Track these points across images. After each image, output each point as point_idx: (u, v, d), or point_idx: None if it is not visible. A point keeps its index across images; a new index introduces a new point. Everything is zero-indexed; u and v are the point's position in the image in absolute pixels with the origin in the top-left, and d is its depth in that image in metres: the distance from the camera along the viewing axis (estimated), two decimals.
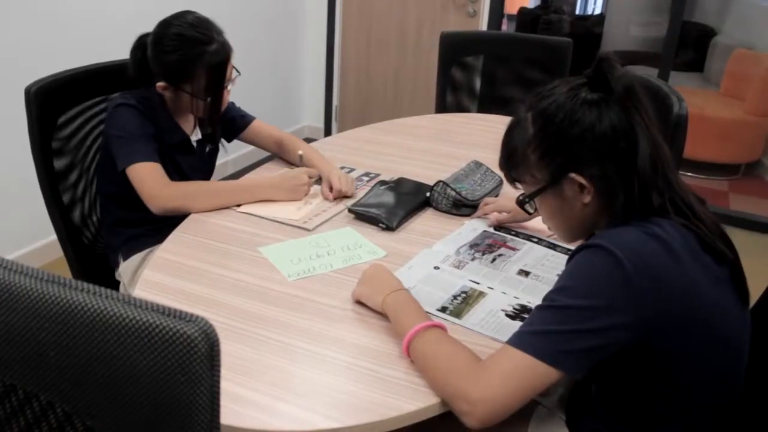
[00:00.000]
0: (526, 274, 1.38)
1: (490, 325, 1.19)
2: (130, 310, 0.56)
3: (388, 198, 1.64)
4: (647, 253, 0.94)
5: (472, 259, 1.42)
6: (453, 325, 1.18)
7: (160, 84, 1.62)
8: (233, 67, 1.67)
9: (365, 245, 1.47)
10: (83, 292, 0.58)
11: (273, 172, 1.84)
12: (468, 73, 2.77)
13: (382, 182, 1.74)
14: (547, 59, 2.62)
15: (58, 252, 1.74)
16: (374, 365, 1.08)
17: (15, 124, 2.02)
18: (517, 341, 0.95)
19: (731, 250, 1.02)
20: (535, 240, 1.53)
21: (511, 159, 1.10)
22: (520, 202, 1.14)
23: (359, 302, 1.24)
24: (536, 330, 0.95)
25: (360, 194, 1.70)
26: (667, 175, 1.01)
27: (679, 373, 0.99)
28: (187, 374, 0.56)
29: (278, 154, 1.95)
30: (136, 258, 1.71)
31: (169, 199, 1.56)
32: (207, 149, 1.83)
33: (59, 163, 1.68)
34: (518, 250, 1.48)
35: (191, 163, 1.76)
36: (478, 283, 1.33)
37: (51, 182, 1.66)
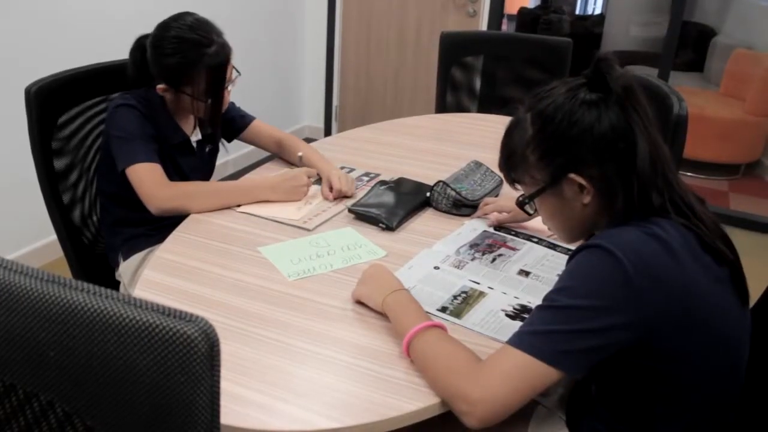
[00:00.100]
0: (526, 274, 1.38)
1: (490, 325, 1.19)
2: (130, 310, 0.57)
3: (388, 198, 1.64)
4: (647, 253, 0.94)
5: (472, 259, 1.42)
6: (453, 325, 1.18)
7: (160, 86, 1.62)
8: (233, 67, 1.67)
9: (365, 245, 1.47)
10: (83, 292, 0.58)
11: (273, 172, 1.84)
12: (468, 73, 2.77)
13: (382, 182, 1.74)
14: (547, 59, 2.62)
15: (58, 252, 1.74)
16: (374, 365, 1.08)
17: (15, 124, 2.02)
18: (517, 341, 0.95)
19: (731, 250, 1.02)
20: (535, 240, 1.53)
21: (511, 160, 1.10)
22: (520, 203, 1.14)
23: (359, 302, 1.24)
24: (536, 330, 0.95)
25: (360, 194, 1.70)
26: (666, 175, 1.01)
27: (679, 373, 0.99)
28: (187, 374, 0.56)
29: (278, 154, 1.95)
30: (136, 258, 1.71)
31: (168, 199, 1.56)
32: (207, 149, 1.83)
33: (59, 163, 1.68)
34: (518, 250, 1.48)
35: (191, 164, 1.76)
36: (478, 283, 1.33)
37: (51, 182, 1.66)
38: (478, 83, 2.77)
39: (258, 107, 2.38)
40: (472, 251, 1.46)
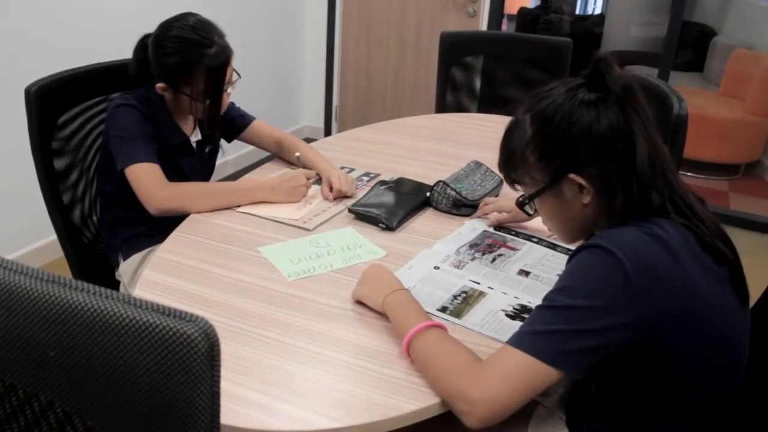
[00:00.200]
0: (526, 274, 1.38)
1: (490, 325, 1.19)
2: (130, 310, 0.57)
3: (388, 198, 1.64)
4: (647, 253, 0.94)
5: (472, 259, 1.42)
6: (453, 325, 1.18)
7: (159, 85, 1.62)
8: (234, 69, 1.67)
9: (365, 245, 1.47)
10: (83, 292, 0.58)
11: (273, 172, 1.85)
12: (468, 73, 2.77)
13: (382, 182, 1.74)
14: (547, 59, 2.62)
15: (58, 252, 1.74)
16: (374, 365, 1.08)
17: (15, 124, 2.02)
18: (518, 341, 0.95)
19: (731, 250, 1.02)
20: (535, 240, 1.53)
21: (510, 161, 1.10)
22: (520, 204, 1.14)
23: (359, 302, 1.24)
24: (536, 330, 0.95)
25: (360, 194, 1.70)
26: (666, 174, 1.01)
27: (679, 373, 0.99)
28: (187, 374, 0.56)
29: (278, 154, 1.95)
30: (136, 258, 1.71)
31: (167, 199, 1.56)
32: (207, 150, 1.83)
33: (59, 163, 1.68)
34: (518, 250, 1.48)
35: (191, 164, 1.76)
36: (478, 283, 1.33)
37: (51, 182, 1.66)
38: (478, 83, 2.77)
39: (258, 107, 2.38)
40: (472, 251, 1.46)
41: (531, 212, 1.16)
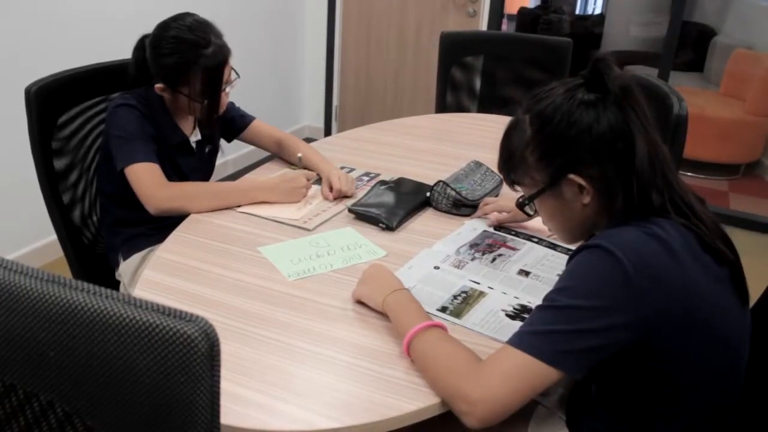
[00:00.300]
0: (526, 274, 1.38)
1: (490, 325, 1.19)
2: (130, 310, 0.57)
3: (388, 198, 1.64)
4: (647, 253, 0.94)
5: (472, 259, 1.42)
6: (453, 325, 1.18)
7: (158, 86, 1.62)
8: (232, 69, 1.67)
9: (365, 245, 1.47)
10: (83, 292, 0.58)
11: (273, 172, 1.85)
12: (468, 73, 2.77)
13: (382, 182, 1.74)
14: (547, 59, 2.62)
15: (58, 252, 1.74)
16: (374, 365, 1.08)
17: (15, 124, 2.02)
18: (518, 341, 0.95)
19: (731, 250, 1.02)
20: (535, 240, 1.53)
21: (510, 161, 1.10)
22: (520, 204, 1.14)
23: (359, 302, 1.24)
24: (536, 330, 0.95)
25: (360, 194, 1.70)
26: (666, 174, 1.01)
27: (679, 373, 0.99)
28: (187, 374, 0.56)
29: (278, 154, 1.95)
30: (136, 258, 1.71)
31: (167, 199, 1.56)
32: (206, 150, 1.83)
33: (59, 163, 1.68)
34: (518, 250, 1.48)
35: (191, 164, 1.76)
36: (478, 283, 1.33)
37: (51, 182, 1.66)
38: (478, 83, 2.77)
39: (258, 107, 2.38)
40: (472, 251, 1.46)
41: (531, 213, 1.16)
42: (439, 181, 1.65)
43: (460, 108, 2.76)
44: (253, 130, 1.92)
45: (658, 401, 1.01)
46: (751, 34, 4.94)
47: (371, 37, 4.22)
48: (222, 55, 1.61)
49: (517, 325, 1.01)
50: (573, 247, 1.15)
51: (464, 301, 1.26)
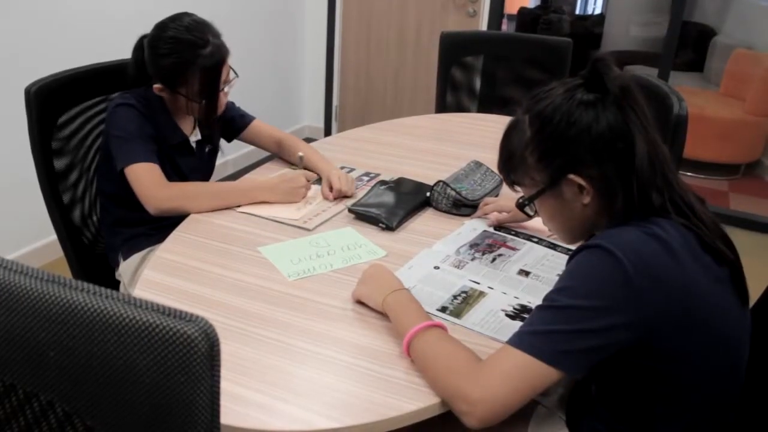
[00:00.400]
0: (526, 274, 1.38)
1: (490, 325, 1.19)
2: (130, 310, 0.57)
3: (388, 198, 1.64)
4: (647, 253, 0.94)
5: (472, 259, 1.42)
6: (453, 325, 1.18)
7: (156, 86, 1.62)
8: (231, 68, 1.67)
9: (365, 245, 1.47)
10: (83, 292, 0.58)
11: (273, 172, 1.85)
12: (468, 73, 2.77)
13: (382, 182, 1.74)
14: (547, 59, 2.62)
15: (58, 252, 1.74)
16: (374, 365, 1.08)
17: (15, 124, 2.02)
18: (518, 341, 0.95)
19: (731, 251, 1.02)
20: (535, 240, 1.53)
21: (510, 162, 1.10)
22: (520, 205, 1.14)
23: (359, 302, 1.24)
24: (536, 330, 0.95)
25: (360, 194, 1.70)
26: (666, 174, 1.01)
27: (679, 373, 0.99)
28: (187, 374, 0.56)
29: (278, 154, 1.95)
30: (136, 258, 1.71)
31: (166, 199, 1.56)
32: (206, 150, 1.83)
33: (59, 163, 1.68)
34: (518, 250, 1.48)
35: (190, 164, 1.76)
36: (478, 283, 1.33)
37: (51, 182, 1.66)
38: (478, 83, 2.77)
39: (258, 107, 2.38)
40: (472, 251, 1.46)
41: (531, 213, 1.16)
42: (439, 181, 1.65)
43: (460, 108, 2.76)
44: (253, 130, 1.92)
45: (658, 401, 1.01)
46: (751, 34, 4.94)
47: (371, 37, 4.22)
48: (220, 54, 1.61)
49: (517, 325, 1.01)
50: (573, 247, 1.15)
51: (464, 301, 1.26)
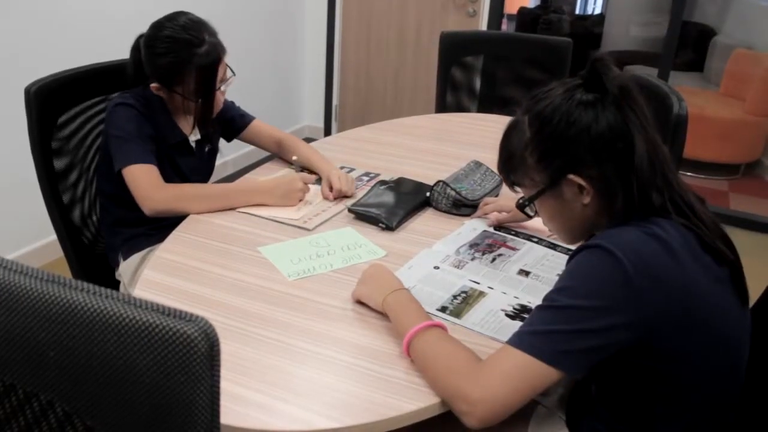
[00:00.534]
0: (526, 273, 1.38)
1: (490, 325, 1.19)
2: (130, 310, 0.56)
3: (388, 198, 1.64)
4: (647, 253, 0.94)
5: (472, 259, 1.42)
6: (453, 325, 1.18)
7: (153, 85, 1.62)
8: (228, 67, 1.67)
9: (365, 245, 1.47)
10: (83, 292, 0.58)
11: (273, 172, 1.85)
12: (468, 73, 2.77)
13: (382, 182, 1.74)
14: (547, 59, 2.62)
15: (58, 252, 1.74)
16: (374, 365, 1.08)
17: (15, 124, 2.02)
18: (517, 341, 0.95)
19: (731, 250, 1.02)
20: (535, 240, 1.53)
21: (510, 163, 1.10)
22: (520, 206, 1.14)
23: (359, 302, 1.24)
24: (536, 330, 0.95)
25: (360, 194, 1.70)
26: (666, 174, 1.01)
27: (679, 373, 0.99)
28: (187, 374, 0.56)
29: (278, 154, 1.95)
30: (136, 258, 1.71)
31: (163, 201, 1.56)
32: (206, 149, 1.83)
33: (59, 163, 1.68)
34: (518, 249, 1.48)
35: (190, 164, 1.76)
36: (478, 283, 1.33)
37: (51, 182, 1.66)
38: (478, 83, 2.77)
39: (258, 107, 2.38)
40: (472, 251, 1.46)
41: (531, 214, 1.16)
42: (439, 181, 1.65)
43: (460, 108, 2.76)
44: (252, 130, 1.92)
45: (658, 401, 1.01)
46: (751, 34, 4.94)
47: (371, 37, 4.22)
48: (216, 53, 1.61)
49: (517, 325, 1.01)
50: (573, 247, 1.15)
51: (464, 301, 1.26)
